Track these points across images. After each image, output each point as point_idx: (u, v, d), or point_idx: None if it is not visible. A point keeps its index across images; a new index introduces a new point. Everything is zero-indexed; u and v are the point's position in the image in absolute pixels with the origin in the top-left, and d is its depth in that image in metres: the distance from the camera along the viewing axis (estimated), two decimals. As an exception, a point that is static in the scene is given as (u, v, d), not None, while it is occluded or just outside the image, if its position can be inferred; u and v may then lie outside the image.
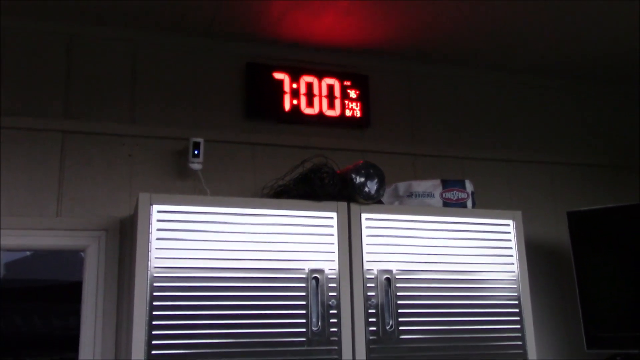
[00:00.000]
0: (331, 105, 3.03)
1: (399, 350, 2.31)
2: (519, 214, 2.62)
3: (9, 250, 3.09)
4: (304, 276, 2.27)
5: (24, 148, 2.61)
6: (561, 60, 3.29)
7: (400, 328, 2.33)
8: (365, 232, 2.39)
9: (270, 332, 2.19)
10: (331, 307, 2.27)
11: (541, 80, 3.49)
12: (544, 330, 3.00)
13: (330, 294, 2.28)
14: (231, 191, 2.78)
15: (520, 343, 2.46)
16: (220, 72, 2.96)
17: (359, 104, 3.07)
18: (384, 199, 2.57)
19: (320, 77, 3.03)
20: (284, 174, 2.62)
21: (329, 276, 2.30)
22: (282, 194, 2.51)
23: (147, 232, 2.14)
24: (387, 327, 2.32)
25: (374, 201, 2.44)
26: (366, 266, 2.35)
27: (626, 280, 2.94)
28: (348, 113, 3.05)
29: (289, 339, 2.20)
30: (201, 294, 2.14)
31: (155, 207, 2.17)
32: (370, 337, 2.29)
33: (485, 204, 2.85)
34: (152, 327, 2.05)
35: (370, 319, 2.31)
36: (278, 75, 2.97)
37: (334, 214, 2.38)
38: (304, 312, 2.24)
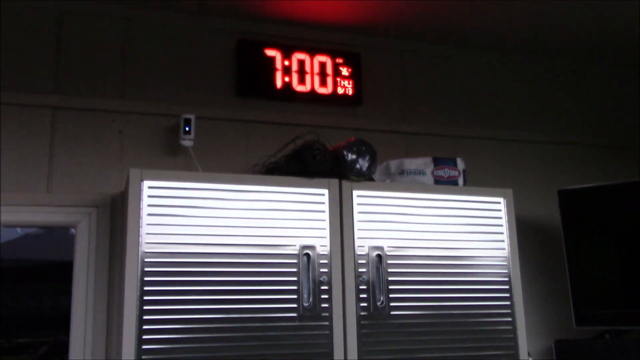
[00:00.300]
0: (323, 83, 3.01)
1: (389, 327, 2.33)
2: (510, 192, 2.62)
3: (-1, 226, 3.08)
4: (295, 252, 2.27)
5: (14, 124, 2.59)
6: (554, 39, 3.28)
7: (391, 304, 2.34)
8: (356, 209, 2.39)
9: (261, 307, 2.19)
10: (322, 284, 2.28)
11: (533, 59, 3.48)
12: (533, 307, 3.02)
13: (322, 270, 2.29)
14: (222, 168, 2.76)
15: (510, 319, 2.48)
16: (212, 49, 2.94)
17: (351, 82, 3.06)
18: (376, 176, 2.57)
19: (312, 54, 3.01)
20: (276, 151, 2.61)
21: (320, 253, 2.30)
22: (274, 170, 2.50)
23: (138, 208, 2.13)
24: (378, 304, 2.33)
25: (366, 178, 2.44)
26: (357, 243, 2.36)
27: (615, 258, 2.96)
28: (340, 91, 3.03)
29: (280, 314, 2.21)
30: (192, 269, 2.14)
31: (146, 183, 2.16)
32: (361, 314, 2.30)
33: (477, 182, 2.85)
34: (143, 303, 2.05)
35: (361, 296, 2.32)
36: (270, 52, 2.95)
37: (325, 191, 2.37)
38: (295, 288, 2.24)
